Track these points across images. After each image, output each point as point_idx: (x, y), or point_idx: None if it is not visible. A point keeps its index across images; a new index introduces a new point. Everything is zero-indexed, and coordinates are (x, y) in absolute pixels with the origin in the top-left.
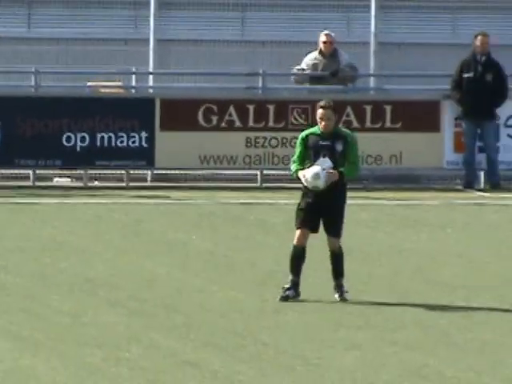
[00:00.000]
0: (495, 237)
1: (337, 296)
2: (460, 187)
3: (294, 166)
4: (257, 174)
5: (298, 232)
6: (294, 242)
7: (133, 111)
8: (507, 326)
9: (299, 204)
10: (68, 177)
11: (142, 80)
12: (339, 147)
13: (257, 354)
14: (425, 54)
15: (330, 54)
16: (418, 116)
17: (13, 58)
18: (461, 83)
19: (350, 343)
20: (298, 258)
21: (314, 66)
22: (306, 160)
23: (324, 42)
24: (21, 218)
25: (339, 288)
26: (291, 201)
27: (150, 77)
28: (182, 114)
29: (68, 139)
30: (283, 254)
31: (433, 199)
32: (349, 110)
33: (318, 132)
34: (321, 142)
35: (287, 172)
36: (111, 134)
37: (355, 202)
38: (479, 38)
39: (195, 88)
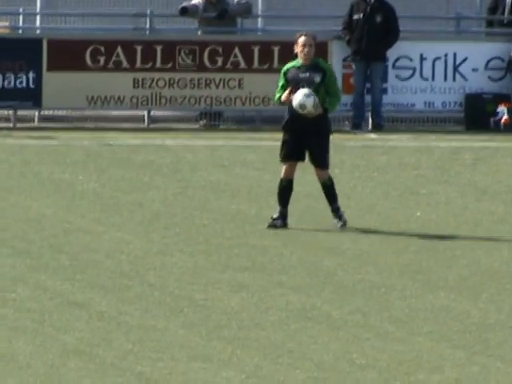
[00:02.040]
0: (382, 178)
1: (336, 221)
2: (348, 129)
3: (277, 97)
4: (144, 115)
5: (284, 166)
6: (282, 175)
7: (20, 52)
8: (394, 268)
9: (283, 139)
10: None
11: (30, 21)
12: (317, 79)
13: (143, 295)
14: None
15: None
16: None
17: None
18: (351, 24)
19: (236, 285)
20: (285, 190)
21: (204, 6)
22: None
23: None
24: None
25: (337, 211)
26: (178, 141)
27: (38, 17)
28: (69, 54)
29: None
30: (170, 195)
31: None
32: (236, 50)
33: (298, 65)
34: (300, 75)
35: (175, 113)
36: None
37: (241, 143)
38: None
39: (82, 29)
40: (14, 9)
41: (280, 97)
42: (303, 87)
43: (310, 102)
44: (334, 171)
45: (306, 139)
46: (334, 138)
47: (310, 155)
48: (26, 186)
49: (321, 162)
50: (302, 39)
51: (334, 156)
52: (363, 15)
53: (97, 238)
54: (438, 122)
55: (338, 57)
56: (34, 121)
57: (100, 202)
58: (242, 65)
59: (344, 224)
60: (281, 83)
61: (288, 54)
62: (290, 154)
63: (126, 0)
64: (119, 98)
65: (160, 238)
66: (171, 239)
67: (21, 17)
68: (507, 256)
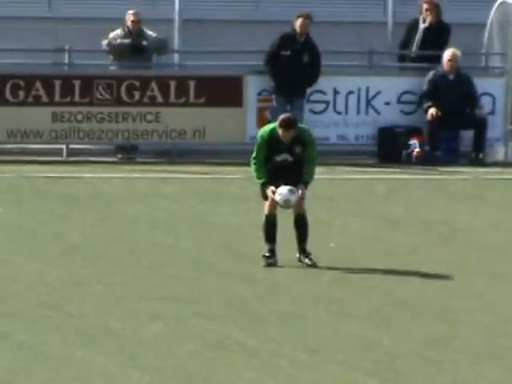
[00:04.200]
0: None
1: (307, 260)
2: None
3: (257, 172)
4: (63, 148)
5: (267, 202)
6: (266, 211)
7: None
8: (308, 298)
9: (261, 180)
10: None
11: None
12: (298, 150)
13: (62, 325)
14: (227, 30)
15: (137, 31)
16: (220, 91)
17: None
18: (276, 58)
19: (152, 314)
20: (271, 226)
21: (120, 44)
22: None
23: (132, 21)
24: None
25: (305, 252)
26: (96, 174)
27: None
28: None
29: None
30: (88, 226)
31: (235, 173)
32: (153, 85)
33: (279, 137)
34: (278, 158)
35: (92, 146)
36: None
37: (160, 176)
38: (300, 20)
39: (2, 64)
40: None
41: (264, 184)
42: (286, 184)
43: (294, 198)
44: (250, 203)
45: (283, 177)
46: (249, 171)
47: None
48: None
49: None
50: (281, 132)
51: (250, 188)
52: (291, 52)
53: (16, 269)
54: (352, 155)
55: (252, 91)
56: None
57: (19, 233)
58: (159, 99)
59: (313, 263)
60: (258, 152)
61: (203, 88)
62: (273, 184)
63: (45, 35)
64: (38, 131)
65: (78, 268)
66: (89, 270)
67: None
68: (418, 286)
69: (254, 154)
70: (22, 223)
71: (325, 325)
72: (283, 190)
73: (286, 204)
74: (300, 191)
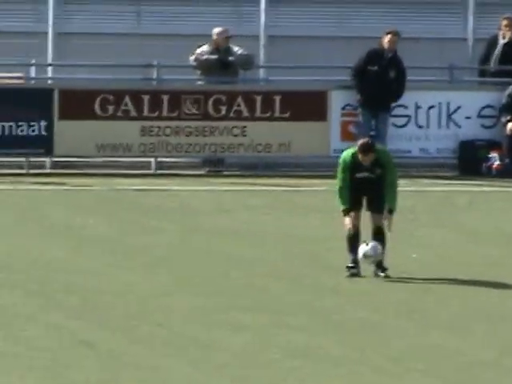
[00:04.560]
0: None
1: (382, 274)
2: None
3: (341, 198)
4: (151, 162)
5: (348, 216)
6: (348, 224)
7: (32, 101)
8: (390, 307)
9: (343, 207)
10: None
11: (42, 71)
12: (379, 171)
13: (150, 335)
14: (312, 46)
15: (224, 48)
16: (305, 106)
17: None
18: (363, 73)
19: (239, 325)
20: (354, 237)
21: (207, 59)
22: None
23: (220, 38)
24: None
25: (381, 265)
26: (184, 187)
27: (49, 68)
28: (80, 103)
29: None
30: (176, 239)
31: (320, 186)
32: (240, 100)
33: (358, 161)
34: (362, 168)
35: (180, 160)
36: (12, 123)
37: (246, 189)
38: (389, 36)
39: (92, 79)
40: (27, 60)
41: (343, 203)
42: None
43: (378, 253)
44: (334, 215)
45: (364, 190)
46: (334, 184)
47: (368, 202)
48: (37, 229)
49: (377, 207)
50: (361, 157)
51: (334, 200)
52: (379, 67)
53: (106, 280)
54: (433, 168)
55: (336, 105)
56: (45, 167)
57: (109, 245)
58: (245, 113)
59: (387, 276)
60: (342, 176)
61: (289, 102)
62: (352, 205)
63: (134, 51)
64: (127, 145)
65: (166, 279)
66: (177, 281)
67: (33, 68)
68: (498, 297)
69: (337, 181)
70: (111, 235)
71: (407, 334)
72: (364, 248)
73: (367, 257)
74: (386, 222)
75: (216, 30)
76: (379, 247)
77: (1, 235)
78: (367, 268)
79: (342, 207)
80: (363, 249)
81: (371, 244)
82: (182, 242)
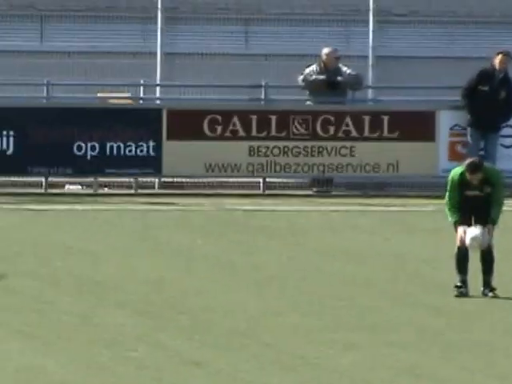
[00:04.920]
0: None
1: (490, 294)
2: None
3: (450, 213)
4: (259, 182)
5: (459, 233)
6: (458, 243)
7: (141, 121)
8: (498, 327)
9: (453, 220)
10: (79, 184)
11: (150, 91)
12: (487, 189)
13: (259, 354)
14: (419, 66)
15: (333, 68)
16: (413, 126)
17: (26, 71)
18: (474, 93)
19: (347, 344)
20: (463, 257)
21: (316, 80)
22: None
23: (329, 58)
24: (33, 224)
25: (489, 285)
26: (292, 207)
27: (158, 88)
28: (188, 124)
29: (79, 148)
30: (284, 258)
31: (428, 205)
32: (348, 120)
33: (467, 180)
34: (471, 187)
35: (289, 180)
36: (120, 143)
37: (354, 209)
38: (500, 56)
39: (200, 99)
40: (135, 80)
41: (453, 217)
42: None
43: (482, 239)
44: (442, 234)
45: (474, 209)
46: (442, 204)
47: (476, 220)
48: (147, 249)
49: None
50: (469, 176)
51: (441, 219)
52: (489, 87)
53: (214, 299)
54: None
55: (445, 126)
56: (154, 187)
57: (217, 264)
58: (354, 133)
59: (495, 296)
60: (450, 194)
61: (397, 122)
62: (464, 221)
63: (242, 72)
64: (236, 165)
65: (275, 298)
66: (285, 300)
67: (141, 88)
68: None
69: (446, 197)
70: (220, 254)
71: None
72: (473, 231)
73: (474, 244)
74: (488, 230)
75: (325, 50)
76: (487, 236)
77: (111, 255)
78: (475, 288)
79: (452, 220)
80: (473, 231)
81: (480, 230)
82: (290, 261)
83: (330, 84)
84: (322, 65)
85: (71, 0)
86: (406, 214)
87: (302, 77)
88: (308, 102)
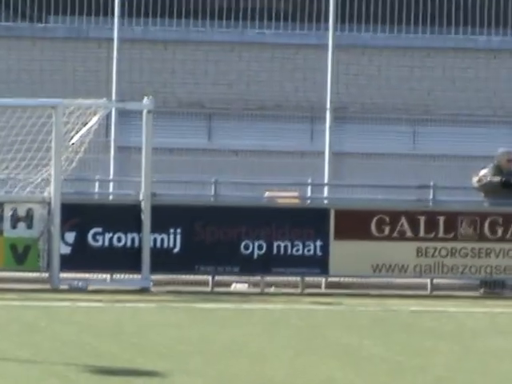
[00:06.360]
0: None
1: None
2: None
3: None
4: (427, 283)
5: None
6: None
7: (308, 221)
8: None
9: None
10: (245, 283)
11: (318, 191)
12: None
13: None
14: None
15: (508, 170)
16: None
17: (194, 169)
18: None
19: None
20: None
21: (491, 181)
22: None
23: (506, 158)
24: (200, 322)
25: None
26: (460, 308)
27: (325, 188)
28: (356, 223)
29: (246, 246)
30: (452, 360)
31: None
32: None
33: None
34: None
35: (456, 281)
36: (287, 243)
37: None
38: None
39: (368, 199)
40: (303, 179)
41: None
42: None
43: None
44: None
45: None
46: None
47: None
48: (314, 349)
49: None
50: None
51: None
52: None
53: None
54: None
55: None
56: (321, 286)
57: (385, 365)
58: None
59: None
60: None
61: None
62: None
63: (409, 173)
64: (403, 266)
65: None
66: None
67: (309, 187)
68: None
69: None
70: (386, 356)
71: None
72: None
73: None
74: None
75: (499, 152)
76: None
77: (278, 354)
78: None
79: None
80: None
81: None
82: (459, 363)
83: (505, 185)
84: (497, 166)
85: (239, 98)
86: None
87: (476, 178)
88: (485, 204)
